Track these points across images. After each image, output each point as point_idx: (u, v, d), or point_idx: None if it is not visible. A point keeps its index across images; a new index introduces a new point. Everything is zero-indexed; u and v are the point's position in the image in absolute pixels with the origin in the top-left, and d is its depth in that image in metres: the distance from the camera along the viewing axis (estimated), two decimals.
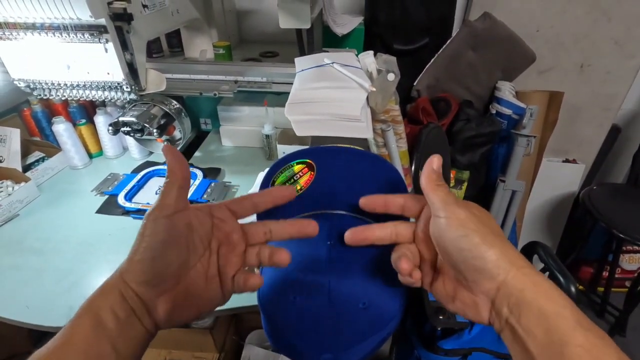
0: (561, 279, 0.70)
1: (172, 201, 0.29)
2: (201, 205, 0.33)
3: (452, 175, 1.23)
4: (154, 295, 0.28)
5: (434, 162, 0.32)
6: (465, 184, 1.25)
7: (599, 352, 0.22)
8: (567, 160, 1.48)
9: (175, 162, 0.31)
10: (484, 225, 0.28)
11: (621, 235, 1.16)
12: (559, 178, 1.49)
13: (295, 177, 0.42)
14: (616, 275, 1.60)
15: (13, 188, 0.88)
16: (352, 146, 0.45)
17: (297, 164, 0.43)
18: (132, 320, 0.27)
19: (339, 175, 0.42)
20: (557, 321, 0.24)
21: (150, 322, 0.28)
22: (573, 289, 0.67)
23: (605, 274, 1.62)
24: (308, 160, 0.43)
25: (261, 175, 0.82)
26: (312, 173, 0.42)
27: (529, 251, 0.83)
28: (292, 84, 0.71)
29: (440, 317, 0.66)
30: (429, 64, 1.20)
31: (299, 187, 0.41)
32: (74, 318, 0.26)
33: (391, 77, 0.70)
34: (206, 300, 0.32)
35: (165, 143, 1.05)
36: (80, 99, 0.77)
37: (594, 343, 0.23)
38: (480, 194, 1.30)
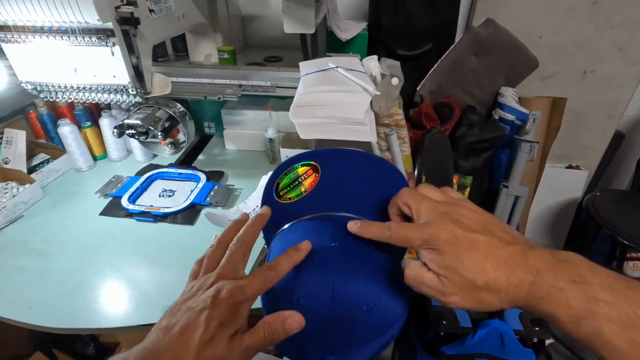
0: None
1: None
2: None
3: (455, 181, 1.23)
4: None
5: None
6: (468, 189, 1.25)
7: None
8: (570, 166, 1.48)
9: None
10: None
11: (625, 242, 1.16)
12: (562, 184, 1.48)
13: (299, 179, 0.42)
14: None
15: (18, 189, 0.88)
16: (357, 149, 0.45)
17: (302, 165, 0.43)
18: None
19: (344, 177, 0.42)
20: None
21: None
22: None
23: None
24: (312, 162, 0.43)
25: (264, 179, 0.82)
26: (317, 175, 0.42)
27: None
28: (295, 88, 0.71)
29: (444, 322, 0.65)
30: (432, 69, 1.20)
31: (303, 189, 0.41)
32: None
33: (395, 81, 0.70)
34: None
35: (168, 142, 1.06)
36: (86, 102, 0.77)
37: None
38: (483, 199, 1.29)
